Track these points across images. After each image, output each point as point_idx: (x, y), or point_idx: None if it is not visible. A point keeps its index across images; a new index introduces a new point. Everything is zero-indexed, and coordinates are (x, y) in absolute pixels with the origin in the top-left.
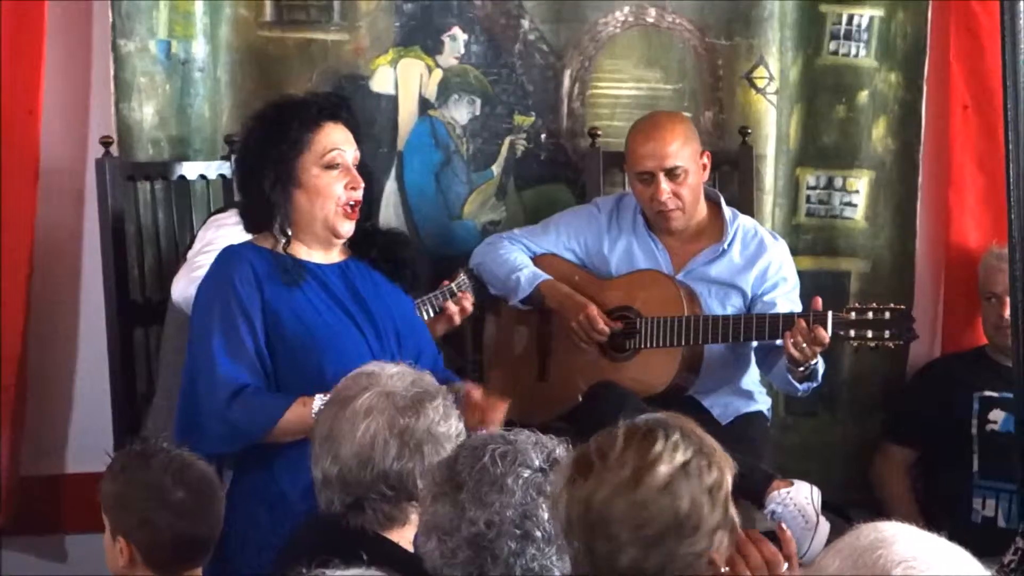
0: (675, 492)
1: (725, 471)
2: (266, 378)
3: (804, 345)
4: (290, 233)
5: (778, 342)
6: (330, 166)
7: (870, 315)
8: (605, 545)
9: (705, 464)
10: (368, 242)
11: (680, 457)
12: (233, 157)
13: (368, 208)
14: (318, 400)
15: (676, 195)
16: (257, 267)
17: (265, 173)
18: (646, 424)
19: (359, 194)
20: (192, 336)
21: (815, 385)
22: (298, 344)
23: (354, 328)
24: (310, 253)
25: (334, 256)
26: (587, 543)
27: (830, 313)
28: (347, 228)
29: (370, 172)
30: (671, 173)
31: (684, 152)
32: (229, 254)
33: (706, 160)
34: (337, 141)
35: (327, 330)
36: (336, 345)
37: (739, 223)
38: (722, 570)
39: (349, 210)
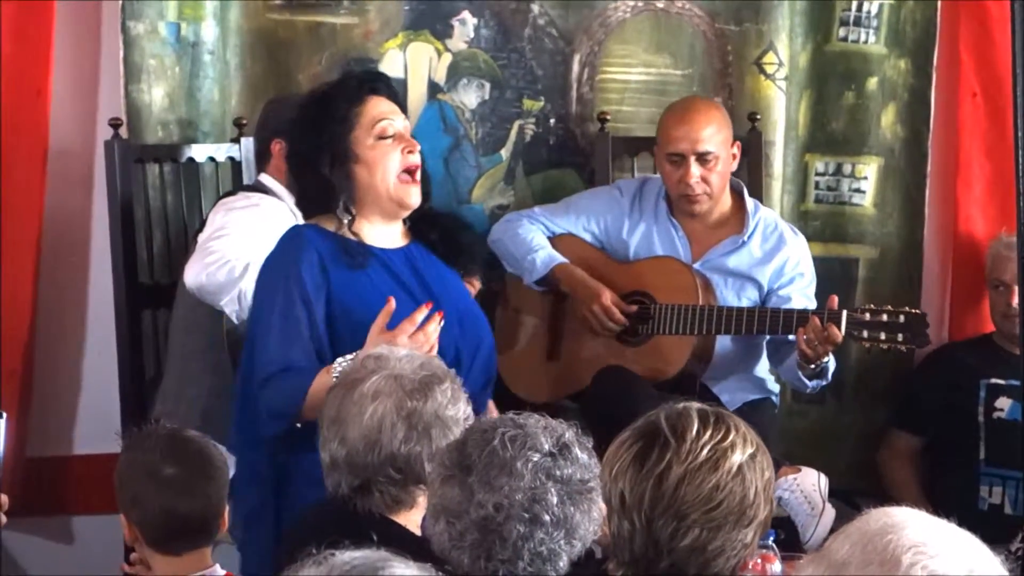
0: (745, 480)
1: (772, 470)
2: (322, 364)
3: (817, 343)
4: (354, 212)
5: (791, 337)
6: (383, 136)
7: (885, 317)
8: (671, 523)
9: (765, 459)
10: (428, 224)
11: (749, 448)
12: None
13: (426, 187)
14: (338, 363)
15: (704, 180)
16: (323, 251)
17: (320, 156)
18: (713, 411)
19: (416, 158)
20: (251, 318)
21: (824, 383)
22: (364, 329)
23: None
24: (376, 234)
25: (398, 240)
26: (649, 520)
27: (845, 313)
28: (414, 197)
29: (422, 153)
30: (702, 158)
31: (717, 138)
32: (295, 236)
33: (736, 150)
34: (385, 111)
35: (393, 315)
36: None
37: (760, 215)
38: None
39: (410, 176)
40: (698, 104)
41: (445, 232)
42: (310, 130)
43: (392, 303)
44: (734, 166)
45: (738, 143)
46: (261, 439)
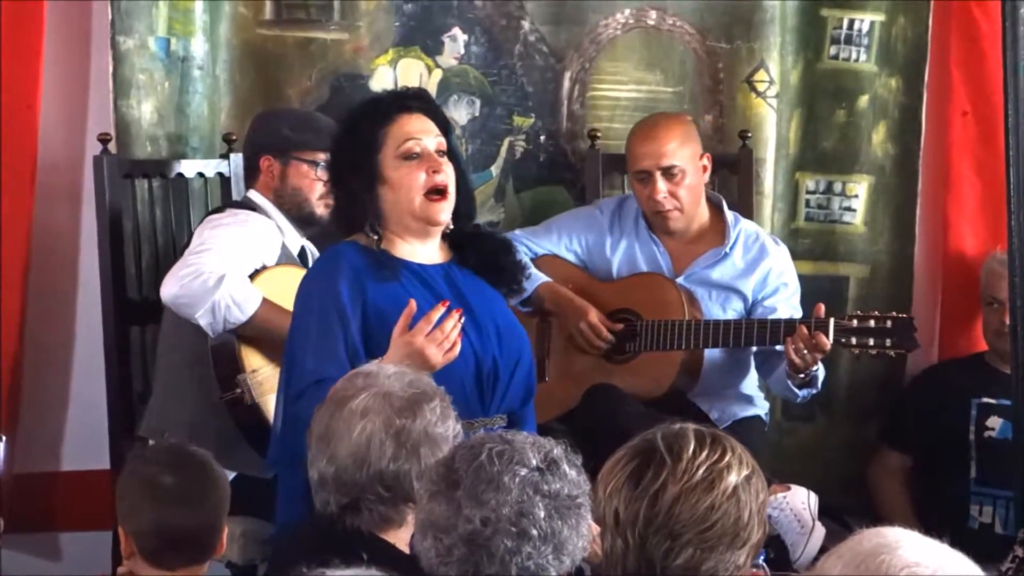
0: (740, 501)
1: (766, 493)
2: None
3: (805, 352)
4: (380, 232)
5: (779, 348)
6: (408, 156)
7: (872, 323)
8: (664, 543)
9: (760, 482)
10: (470, 246)
11: (745, 470)
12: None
13: (467, 206)
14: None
15: (673, 195)
16: (359, 265)
17: (351, 176)
18: (710, 431)
19: (442, 178)
20: (288, 334)
21: (814, 392)
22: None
23: None
24: (412, 251)
25: (436, 256)
26: (642, 538)
27: (832, 320)
28: (441, 214)
29: (464, 171)
30: (667, 172)
31: (682, 152)
32: (332, 253)
33: (706, 162)
34: (412, 131)
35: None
36: None
37: (741, 227)
38: None
39: (435, 195)
40: (660, 120)
41: (488, 255)
42: (343, 149)
43: (413, 305)
44: (705, 178)
45: (707, 155)
46: (296, 454)
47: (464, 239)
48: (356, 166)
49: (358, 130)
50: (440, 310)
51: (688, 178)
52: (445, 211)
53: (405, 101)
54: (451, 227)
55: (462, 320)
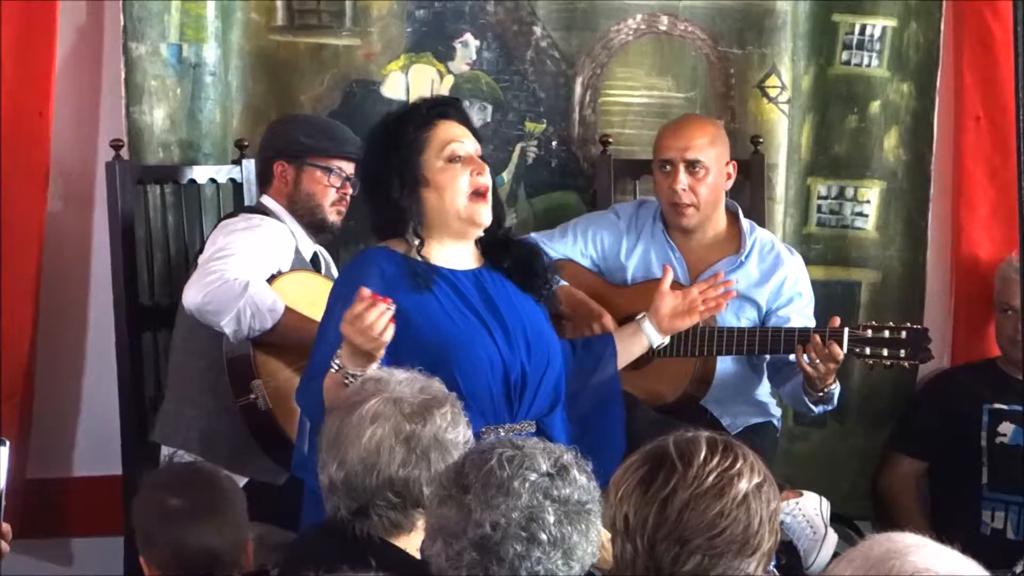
0: (750, 509)
1: (778, 502)
2: None
3: (818, 361)
4: (423, 236)
5: (791, 358)
6: (452, 159)
7: (886, 333)
8: (672, 548)
9: (772, 490)
10: (502, 250)
11: (756, 478)
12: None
13: (497, 212)
14: (335, 361)
15: (692, 190)
16: (387, 272)
17: (391, 180)
18: (722, 439)
19: (486, 179)
20: (315, 337)
21: (829, 408)
22: (429, 347)
23: (484, 331)
24: (445, 257)
25: (469, 262)
26: (651, 544)
27: (846, 330)
28: (484, 215)
29: (491, 179)
30: (691, 166)
31: (709, 151)
32: (363, 256)
33: (731, 170)
34: (454, 135)
35: (457, 333)
36: (466, 348)
37: (757, 235)
38: None
39: (480, 196)
40: (693, 118)
41: (519, 259)
42: (380, 155)
43: (364, 291)
44: (728, 184)
45: (734, 163)
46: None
47: (495, 244)
48: (397, 169)
49: (398, 134)
50: (365, 293)
51: (710, 177)
52: (487, 212)
53: (443, 108)
54: (483, 232)
55: (391, 310)
